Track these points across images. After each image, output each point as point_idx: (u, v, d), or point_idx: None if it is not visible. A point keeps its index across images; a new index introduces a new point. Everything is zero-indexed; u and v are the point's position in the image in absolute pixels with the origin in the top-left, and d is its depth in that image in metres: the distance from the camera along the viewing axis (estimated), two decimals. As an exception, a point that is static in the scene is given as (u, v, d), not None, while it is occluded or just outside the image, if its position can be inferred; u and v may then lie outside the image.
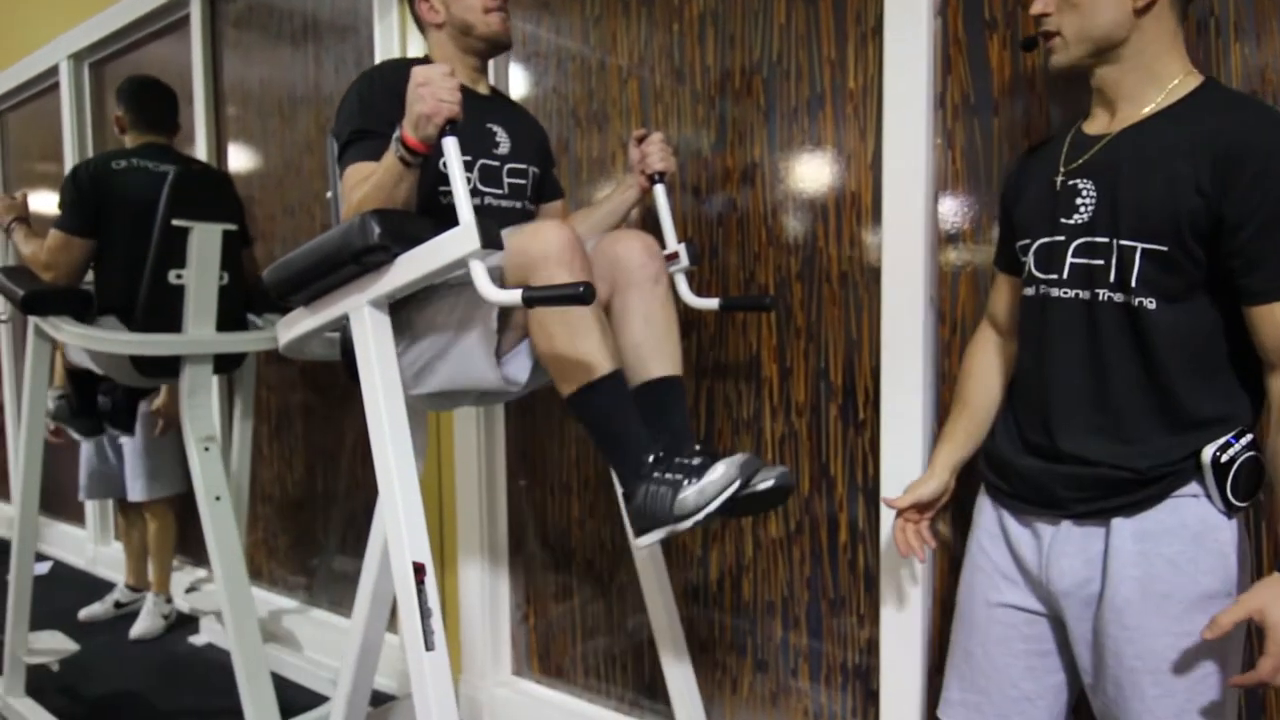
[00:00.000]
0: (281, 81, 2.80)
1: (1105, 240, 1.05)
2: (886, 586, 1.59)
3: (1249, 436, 1.04)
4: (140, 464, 2.83)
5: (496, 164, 1.53)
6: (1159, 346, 1.03)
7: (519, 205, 1.57)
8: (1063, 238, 1.10)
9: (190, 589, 3.01)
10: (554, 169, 1.75)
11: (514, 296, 1.15)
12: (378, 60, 2.39)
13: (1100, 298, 1.06)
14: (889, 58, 1.54)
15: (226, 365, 2.40)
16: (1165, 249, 1.01)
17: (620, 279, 1.38)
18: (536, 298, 1.14)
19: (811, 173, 1.71)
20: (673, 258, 1.61)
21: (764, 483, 1.19)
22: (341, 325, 1.48)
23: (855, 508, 1.67)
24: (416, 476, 1.33)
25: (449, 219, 1.37)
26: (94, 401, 2.54)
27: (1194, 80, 1.05)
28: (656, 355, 1.36)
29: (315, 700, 2.40)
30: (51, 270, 2.22)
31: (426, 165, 1.33)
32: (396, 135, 1.25)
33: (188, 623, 2.94)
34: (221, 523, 2.17)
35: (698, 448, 1.29)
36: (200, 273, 2.13)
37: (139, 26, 3.26)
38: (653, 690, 2.00)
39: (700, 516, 1.15)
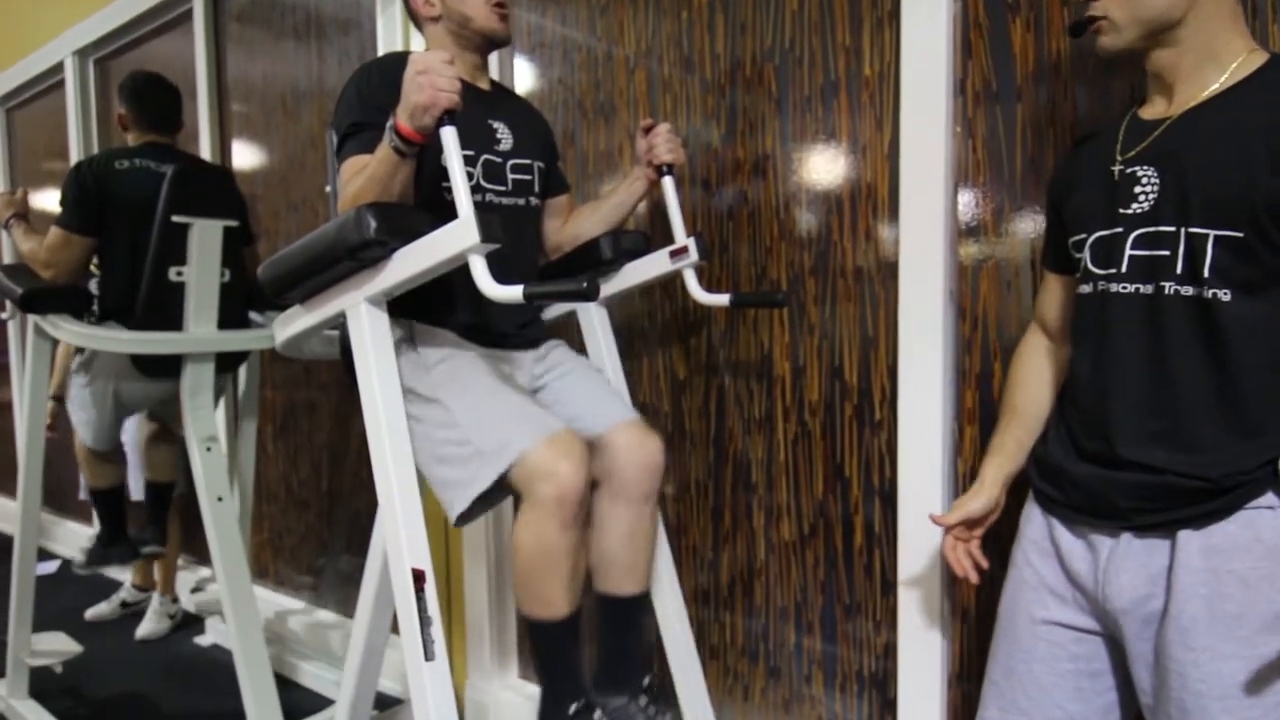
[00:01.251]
0: (285, 76, 2.75)
1: (1171, 229, 0.97)
2: (905, 591, 1.52)
3: None
4: (141, 461, 2.78)
5: (500, 160, 1.47)
6: (1233, 342, 0.95)
7: (524, 202, 1.51)
8: (1121, 229, 1.01)
9: (195, 589, 2.98)
10: (559, 163, 1.70)
11: (514, 293, 1.10)
12: (379, 52, 2.34)
13: (1166, 291, 0.98)
14: (906, 43, 1.48)
15: (229, 364, 2.35)
16: (1241, 235, 0.92)
17: (614, 484, 1.36)
18: (539, 293, 1.09)
19: (825, 164, 1.64)
20: (681, 252, 1.55)
21: None
22: (340, 323, 1.43)
23: (871, 510, 1.61)
24: (416, 480, 1.27)
25: (451, 214, 1.32)
26: (123, 523, 2.51)
27: (1260, 58, 0.97)
28: (629, 573, 1.39)
29: (321, 703, 2.35)
30: (51, 268, 2.18)
31: (428, 160, 1.28)
32: (391, 124, 1.19)
33: (194, 623, 2.91)
34: (224, 523, 2.13)
35: (644, 685, 1.37)
36: (201, 269, 2.09)
37: (143, 22, 3.22)
38: (659, 696, 1.94)
39: None
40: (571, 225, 1.66)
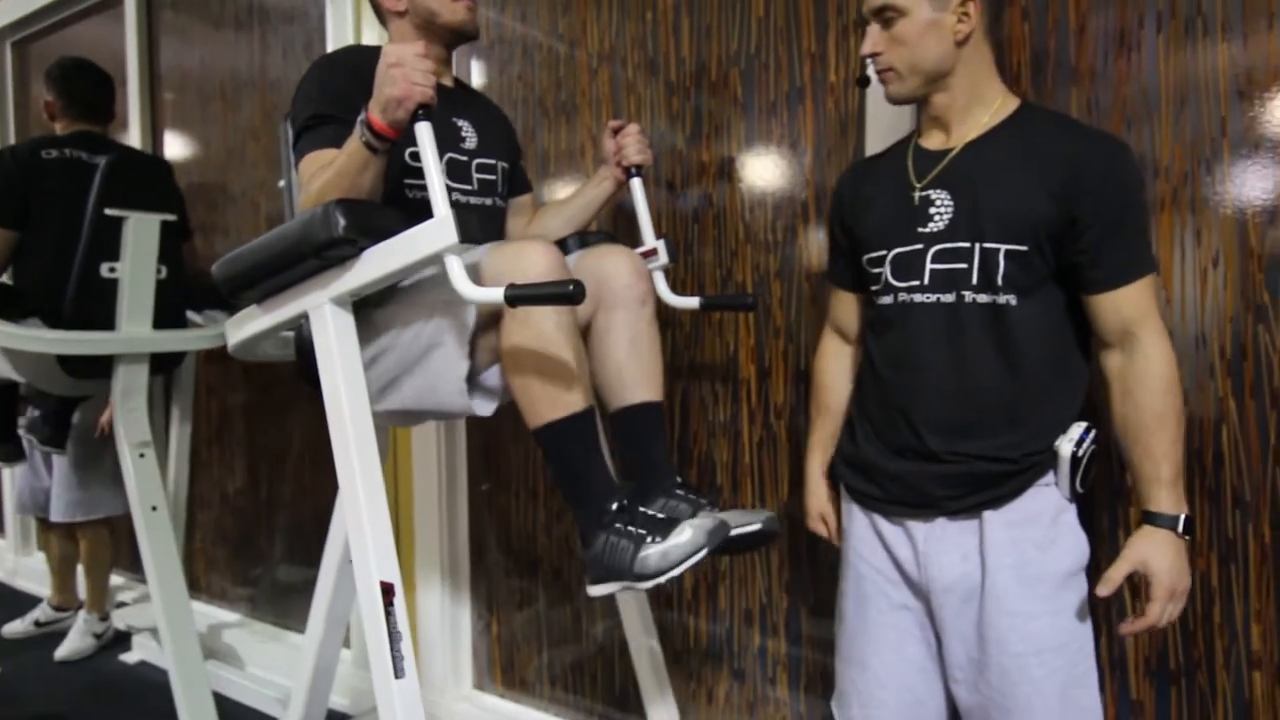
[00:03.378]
0: (224, 65, 2.62)
1: (966, 245, 1.11)
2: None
3: (1094, 431, 1.12)
4: (68, 481, 2.50)
5: (465, 159, 1.42)
6: (1019, 341, 1.10)
7: (489, 202, 1.46)
8: (920, 246, 1.14)
9: (119, 604, 2.80)
10: (522, 161, 1.65)
11: (495, 295, 1.06)
12: (329, 45, 2.24)
13: (966, 299, 1.11)
14: (875, 51, 1.48)
15: (164, 365, 2.23)
16: (1025, 248, 1.08)
17: (606, 297, 1.29)
18: (521, 296, 1.04)
19: (791, 168, 1.64)
20: (651, 254, 1.52)
21: (748, 527, 1.17)
22: (297, 324, 1.36)
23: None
24: (384, 488, 1.21)
25: (416, 213, 1.26)
26: (13, 422, 2.31)
27: (1014, 100, 1.16)
28: (641, 380, 1.30)
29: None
30: None
31: (392, 156, 1.22)
32: (362, 119, 1.13)
33: (121, 640, 2.73)
34: (158, 534, 2.01)
35: (679, 481, 1.26)
36: (136, 265, 1.97)
37: (68, 4, 3.03)
38: (623, 701, 1.91)
39: (662, 579, 1.10)
40: (536, 225, 1.61)
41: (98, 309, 1.96)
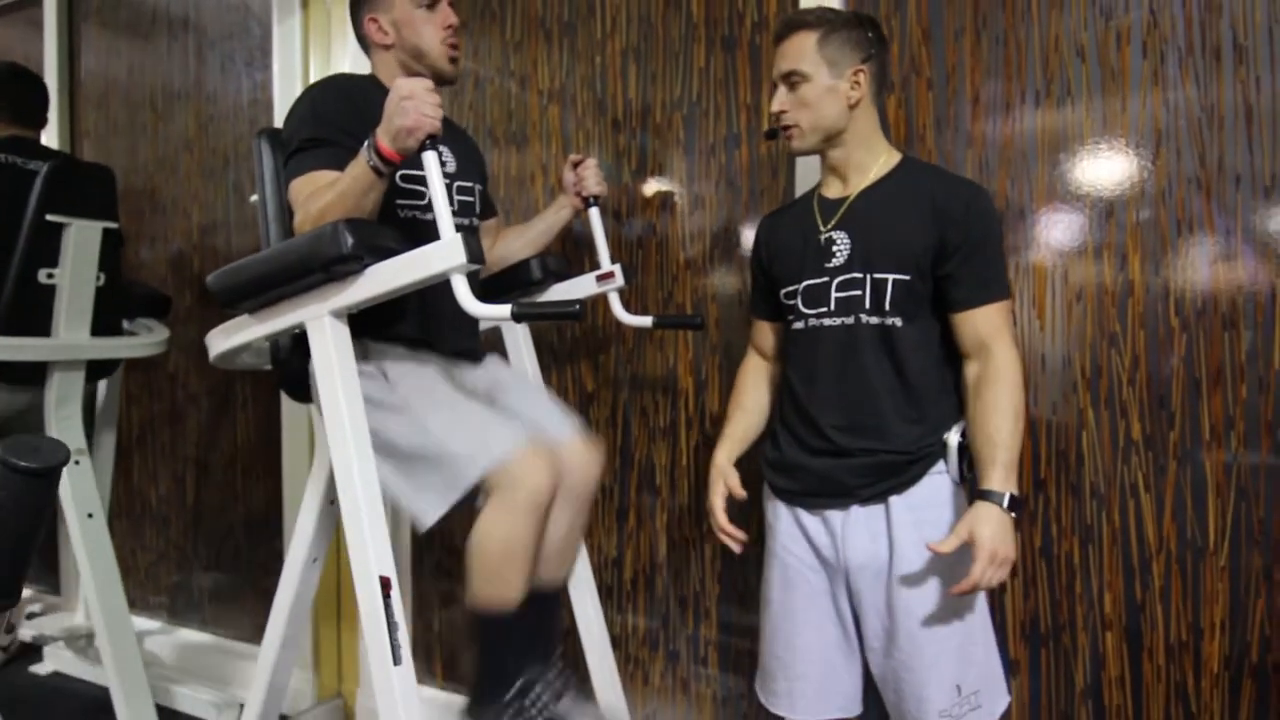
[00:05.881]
0: (155, 76, 2.51)
1: (860, 275, 1.26)
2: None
3: None
4: None
5: (446, 182, 1.46)
6: (906, 355, 1.25)
7: (467, 222, 1.51)
8: (826, 278, 1.29)
9: (29, 615, 2.60)
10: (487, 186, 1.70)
11: (503, 312, 1.12)
12: (276, 62, 2.21)
13: (861, 320, 1.26)
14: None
15: (99, 372, 2.11)
16: (909, 278, 1.24)
17: (565, 490, 1.34)
18: (528, 314, 1.11)
19: (727, 204, 1.77)
20: (608, 276, 1.61)
21: None
22: (273, 334, 1.36)
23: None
24: (380, 488, 1.24)
25: (407, 231, 1.31)
26: None
27: (897, 155, 1.32)
28: (563, 563, 1.42)
29: (191, 725, 2.15)
30: None
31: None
32: (370, 144, 1.17)
33: (29, 652, 2.53)
34: (95, 541, 1.91)
35: (560, 654, 1.38)
36: (76, 272, 1.88)
37: (-29, 1, 2.81)
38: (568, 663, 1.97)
39: None
40: (500, 247, 1.67)
41: (33, 315, 1.85)
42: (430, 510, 1.24)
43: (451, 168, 1.49)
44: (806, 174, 1.63)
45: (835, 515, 1.29)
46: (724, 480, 1.40)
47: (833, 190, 1.33)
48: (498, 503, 1.23)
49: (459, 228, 1.46)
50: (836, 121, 1.27)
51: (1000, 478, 1.16)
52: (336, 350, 1.22)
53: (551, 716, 1.25)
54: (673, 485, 1.84)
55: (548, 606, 1.43)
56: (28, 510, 1.21)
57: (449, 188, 1.47)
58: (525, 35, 1.96)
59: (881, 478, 1.25)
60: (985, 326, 1.23)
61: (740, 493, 1.40)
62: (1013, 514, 1.16)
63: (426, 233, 1.37)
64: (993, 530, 1.14)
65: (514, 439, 1.23)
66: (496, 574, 1.24)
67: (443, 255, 1.12)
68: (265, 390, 2.34)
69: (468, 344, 1.48)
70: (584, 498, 1.39)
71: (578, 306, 1.07)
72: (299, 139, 1.31)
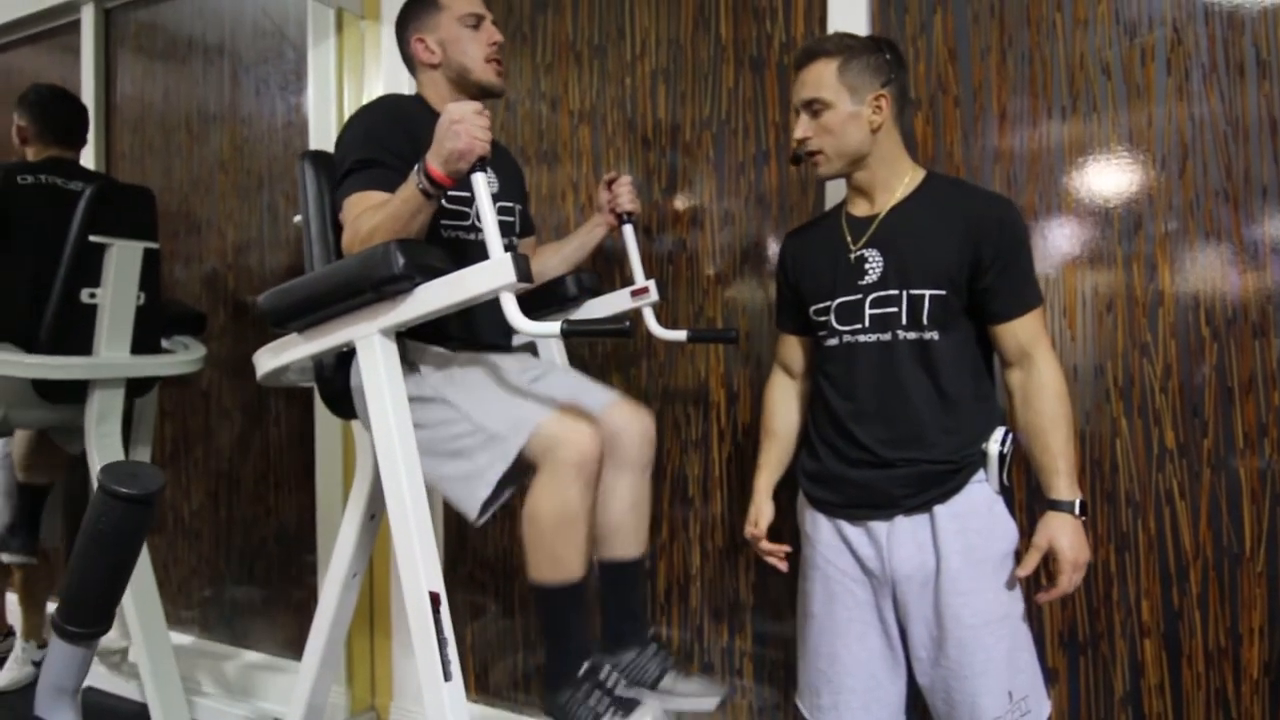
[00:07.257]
0: (191, 98, 2.52)
1: (896, 292, 1.25)
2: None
3: (1011, 434, 1.26)
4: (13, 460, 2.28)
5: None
6: (943, 368, 1.24)
7: (508, 241, 1.50)
8: (859, 295, 1.28)
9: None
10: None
11: (552, 329, 1.11)
12: (311, 85, 2.22)
13: (899, 336, 1.25)
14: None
15: (138, 390, 2.11)
16: (945, 293, 1.23)
17: (617, 456, 1.33)
18: (578, 330, 1.10)
19: (756, 220, 1.77)
20: (642, 292, 1.61)
21: (703, 706, 1.30)
22: (319, 353, 1.35)
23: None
24: (428, 504, 1.23)
25: (452, 252, 1.30)
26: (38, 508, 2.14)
27: (921, 172, 1.32)
28: (633, 539, 1.37)
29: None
30: None
31: None
32: (420, 168, 1.17)
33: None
34: (135, 558, 1.90)
35: (652, 636, 1.34)
36: (118, 292, 1.88)
37: (10, 30, 2.83)
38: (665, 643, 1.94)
39: None
40: (536, 264, 1.66)
41: (75, 334, 1.86)
42: (478, 493, 1.22)
43: (495, 188, 1.49)
44: (835, 190, 1.62)
45: (880, 526, 1.27)
46: (759, 510, 1.43)
47: (860, 208, 1.33)
48: (544, 472, 1.20)
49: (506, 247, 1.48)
50: (860, 146, 1.27)
51: (1066, 486, 1.18)
52: (386, 367, 1.22)
53: (627, 691, 1.21)
54: (705, 496, 1.83)
55: (624, 583, 1.37)
56: (127, 537, 1.20)
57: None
58: (556, 58, 1.97)
59: (925, 487, 1.24)
60: (1025, 334, 1.24)
61: (767, 524, 1.43)
62: (1083, 518, 1.18)
63: (470, 252, 1.38)
64: (1070, 539, 1.17)
65: (549, 405, 1.22)
66: (552, 546, 1.21)
67: (492, 274, 1.12)
68: (298, 406, 2.34)
69: (502, 340, 1.48)
70: (639, 463, 1.35)
71: (628, 323, 1.07)
72: (351, 160, 1.31)
